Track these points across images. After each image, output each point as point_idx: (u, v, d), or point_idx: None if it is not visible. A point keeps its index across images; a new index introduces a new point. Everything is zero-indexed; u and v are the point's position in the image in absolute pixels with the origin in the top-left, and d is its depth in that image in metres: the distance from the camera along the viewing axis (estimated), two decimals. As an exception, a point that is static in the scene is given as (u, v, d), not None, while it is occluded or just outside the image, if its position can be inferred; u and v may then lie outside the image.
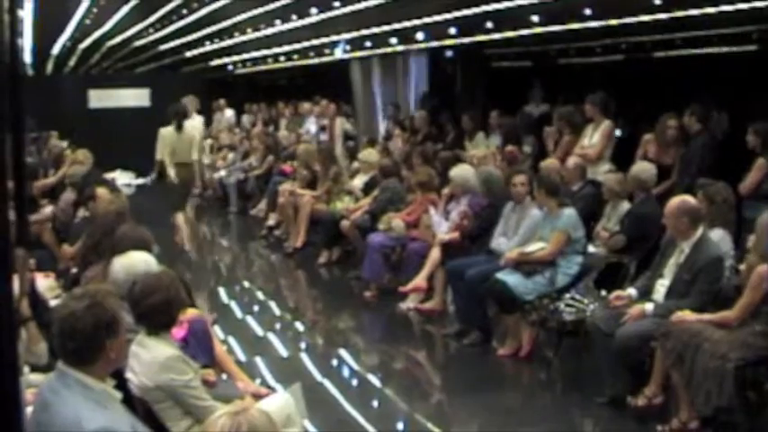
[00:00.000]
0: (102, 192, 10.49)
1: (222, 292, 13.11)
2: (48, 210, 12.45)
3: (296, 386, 6.42)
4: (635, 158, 11.43)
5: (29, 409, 4.55)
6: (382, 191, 13.48)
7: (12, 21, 8.84)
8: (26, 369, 5.99)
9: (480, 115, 16.24)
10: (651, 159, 11.09)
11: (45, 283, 8.50)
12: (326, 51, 23.77)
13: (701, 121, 11.19)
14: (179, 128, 15.27)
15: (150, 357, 5.53)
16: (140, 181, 25.32)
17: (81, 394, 4.25)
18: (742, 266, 7.90)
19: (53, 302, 7.87)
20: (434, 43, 18.97)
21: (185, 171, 15.35)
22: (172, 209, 15.67)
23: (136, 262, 6.42)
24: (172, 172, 15.16)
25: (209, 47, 27.26)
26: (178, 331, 6.34)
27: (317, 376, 9.38)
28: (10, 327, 3.59)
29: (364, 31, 19.80)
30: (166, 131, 15.36)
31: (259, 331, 11.14)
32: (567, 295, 9.03)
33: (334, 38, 21.64)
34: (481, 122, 16.14)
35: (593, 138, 11.93)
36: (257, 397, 6.17)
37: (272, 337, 10.89)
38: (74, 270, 8.93)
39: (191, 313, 6.83)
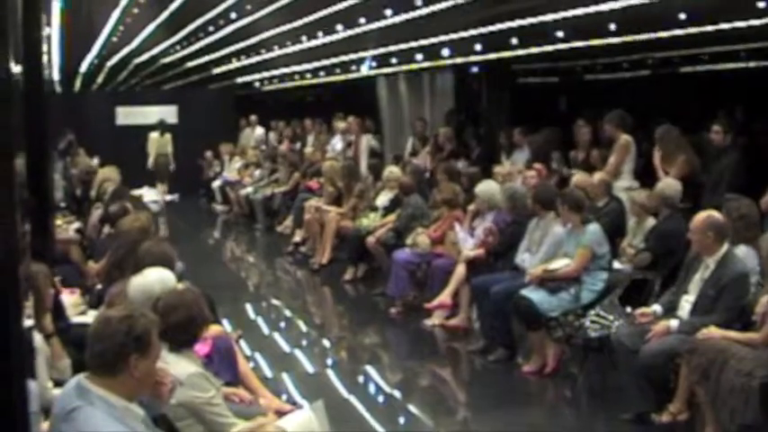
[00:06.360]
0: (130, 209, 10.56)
1: (249, 308, 13.11)
2: (74, 226, 12.50)
3: (319, 403, 6.40)
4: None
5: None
6: (404, 207, 13.48)
7: (38, 38, 8.93)
8: (50, 384, 6.01)
9: (511, 131, 16.18)
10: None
11: (70, 299, 8.53)
12: (353, 68, 23.80)
13: (735, 134, 11.16)
14: (162, 133, 25.57)
15: (172, 374, 5.53)
16: (168, 198, 25.42)
17: (103, 410, 4.27)
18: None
19: (77, 319, 7.91)
20: (460, 59, 18.98)
21: (163, 158, 25.52)
22: (157, 181, 24.77)
23: (152, 281, 6.35)
24: (151, 159, 25.44)
25: (236, 64, 27.34)
26: (202, 348, 6.34)
27: (343, 392, 9.38)
28: (20, 338, 3.63)
29: (390, 48, 19.83)
30: (154, 135, 25.67)
31: (285, 347, 11.14)
32: (592, 312, 8.96)
33: (361, 54, 21.68)
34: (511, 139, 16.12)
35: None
36: (280, 413, 6.16)
37: (298, 353, 10.89)
38: (99, 286, 8.96)
39: (215, 330, 6.84)
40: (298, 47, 21.75)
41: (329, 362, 10.71)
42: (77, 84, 30.84)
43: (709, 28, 12.80)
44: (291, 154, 21.24)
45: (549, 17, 13.84)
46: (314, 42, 20.49)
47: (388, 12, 15.91)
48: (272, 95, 33.19)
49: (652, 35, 13.87)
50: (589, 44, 15.41)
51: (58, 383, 5.97)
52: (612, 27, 13.94)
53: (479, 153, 16.96)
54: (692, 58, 18.67)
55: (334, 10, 16.36)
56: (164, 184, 25.20)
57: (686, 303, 8.08)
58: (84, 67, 27.95)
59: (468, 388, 10.17)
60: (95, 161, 19.31)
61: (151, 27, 21.39)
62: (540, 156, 14.36)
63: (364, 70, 23.08)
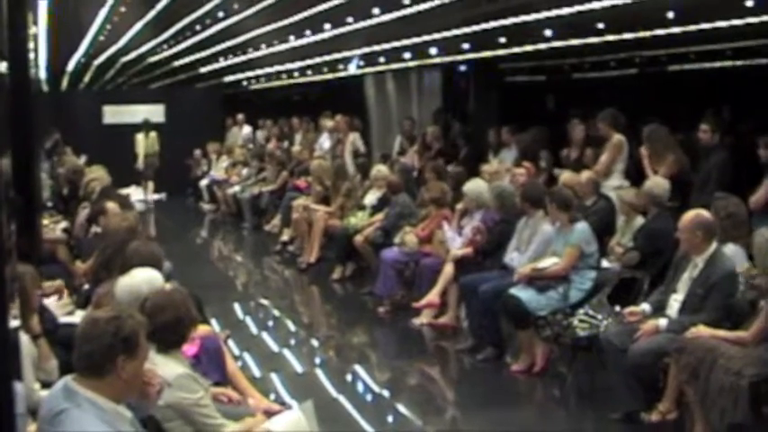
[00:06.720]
0: (112, 207, 10.50)
1: (236, 307, 13.07)
2: (61, 226, 12.45)
3: (308, 403, 6.38)
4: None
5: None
6: (392, 206, 13.47)
7: (24, 37, 8.88)
8: (37, 385, 5.98)
9: (499, 130, 16.18)
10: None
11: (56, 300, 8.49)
12: (340, 67, 23.79)
13: (723, 133, 11.16)
14: (146, 133, 25.57)
15: (160, 375, 5.50)
16: (155, 197, 25.41)
17: (92, 413, 4.25)
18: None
19: (65, 319, 7.87)
20: (448, 58, 18.97)
21: (151, 157, 25.52)
22: (144, 180, 25.55)
23: (139, 282, 6.32)
24: (140, 159, 25.42)
25: (223, 62, 27.32)
26: (190, 348, 6.32)
27: (332, 392, 9.35)
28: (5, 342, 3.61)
29: (378, 47, 19.81)
30: (140, 135, 25.58)
31: (274, 347, 11.11)
32: (581, 311, 8.93)
33: (348, 53, 21.66)
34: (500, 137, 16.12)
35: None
36: (269, 414, 6.14)
37: (286, 352, 10.87)
38: (86, 287, 8.92)
39: (203, 330, 6.81)
40: (285, 45, 21.73)
41: (318, 361, 10.68)
42: (64, 82, 30.81)
43: (697, 27, 12.81)
44: (279, 152, 21.18)
45: (537, 16, 13.84)
46: (301, 41, 20.47)
47: (376, 10, 15.91)
48: (259, 94, 33.18)
49: (640, 34, 13.88)
50: (577, 43, 15.41)
51: (46, 385, 5.94)
52: (600, 26, 13.94)
53: (467, 152, 16.94)
54: (679, 57, 18.68)
55: (321, 9, 16.35)
56: (151, 183, 25.50)
57: (675, 302, 8.07)
58: (71, 65, 27.93)
59: (456, 387, 10.16)
60: (83, 160, 19.28)
61: (138, 26, 21.40)
62: (528, 155, 14.34)
63: (352, 69, 23.06)
